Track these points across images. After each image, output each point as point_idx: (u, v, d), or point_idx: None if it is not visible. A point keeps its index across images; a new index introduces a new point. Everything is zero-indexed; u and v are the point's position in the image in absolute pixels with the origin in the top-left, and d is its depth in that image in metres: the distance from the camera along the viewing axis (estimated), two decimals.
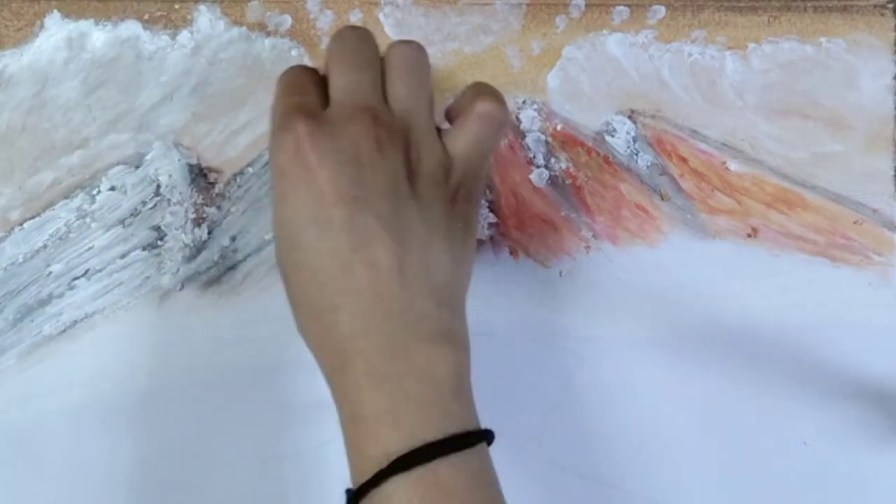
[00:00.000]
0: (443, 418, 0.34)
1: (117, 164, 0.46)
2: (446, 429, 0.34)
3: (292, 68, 0.40)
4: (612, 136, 0.48)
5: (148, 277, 0.46)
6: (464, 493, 0.33)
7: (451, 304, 0.37)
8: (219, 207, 0.47)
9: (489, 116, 0.38)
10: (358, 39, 0.39)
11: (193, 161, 0.47)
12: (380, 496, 0.33)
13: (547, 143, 0.48)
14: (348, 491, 0.35)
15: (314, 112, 0.36)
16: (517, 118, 0.48)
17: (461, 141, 0.38)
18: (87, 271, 0.46)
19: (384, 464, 0.33)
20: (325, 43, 0.47)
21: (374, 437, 0.34)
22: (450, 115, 0.40)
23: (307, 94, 0.38)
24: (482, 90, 0.39)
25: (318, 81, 0.39)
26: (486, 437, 0.36)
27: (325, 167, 0.35)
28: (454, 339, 0.36)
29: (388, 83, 0.38)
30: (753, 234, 0.48)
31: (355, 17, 0.47)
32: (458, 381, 0.35)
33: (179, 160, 0.46)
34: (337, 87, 0.38)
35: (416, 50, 0.39)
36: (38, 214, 0.46)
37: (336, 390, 0.36)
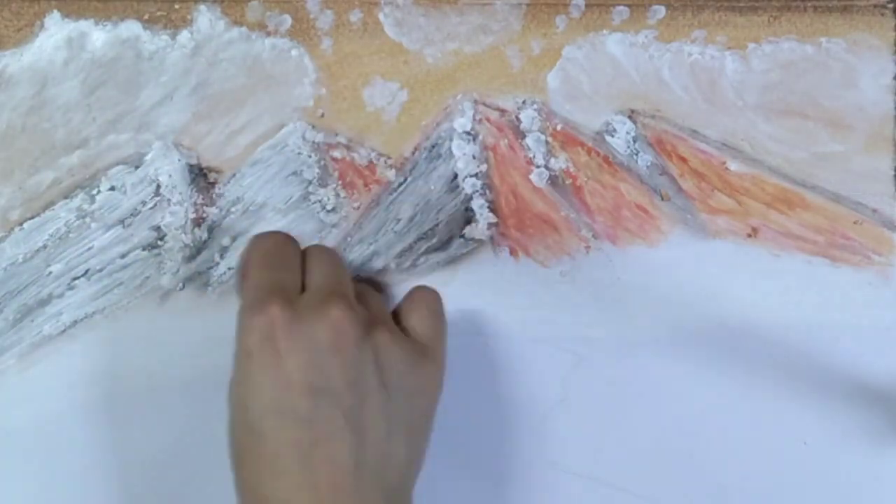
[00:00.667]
0: None
1: (117, 164, 0.46)
2: None
3: (272, 236, 0.40)
4: (612, 136, 0.48)
5: (148, 277, 0.46)
6: None
7: (400, 499, 0.36)
8: (219, 207, 0.47)
9: (430, 295, 0.40)
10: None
11: (193, 161, 0.47)
12: None
13: (547, 143, 0.48)
14: None
15: (291, 296, 0.36)
16: (517, 118, 0.48)
17: (419, 320, 0.40)
18: (87, 271, 0.46)
19: None
20: (325, 43, 0.47)
21: None
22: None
23: (287, 272, 0.38)
24: (414, 293, 0.41)
25: (297, 253, 0.39)
26: None
27: (295, 356, 0.35)
28: None
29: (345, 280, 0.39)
30: (753, 234, 0.48)
31: (355, 17, 0.47)
32: None
33: (179, 160, 0.46)
34: (317, 275, 0.38)
35: (331, 253, 0.40)
36: (38, 214, 0.46)
37: None
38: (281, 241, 0.40)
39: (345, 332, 0.35)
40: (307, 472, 0.34)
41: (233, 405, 0.36)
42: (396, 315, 0.41)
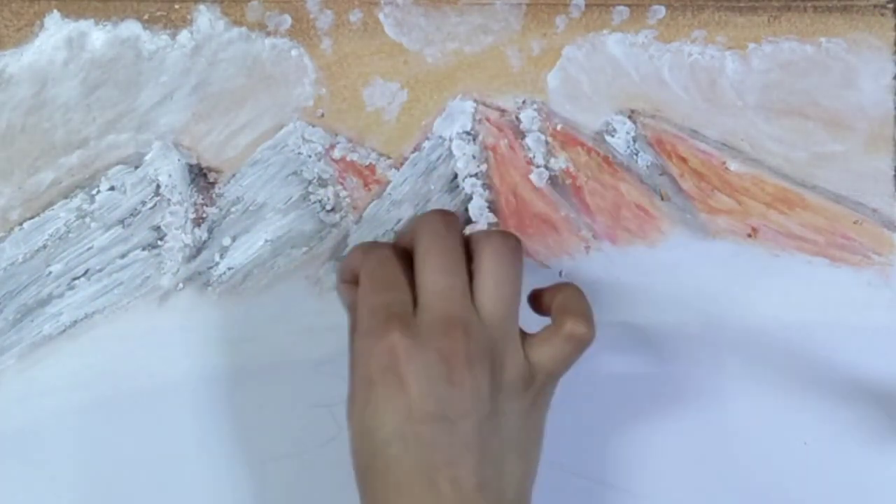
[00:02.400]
0: None
1: (117, 164, 0.46)
2: None
3: (378, 255, 0.39)
4: (612, 136, 0.48)
5: (148, 277, 0.46)
6: None
7: None
8: (219, 207, 0.47)
9: (580, 341, 0.38)
10: (448, 234, 0.38)
11: (193, 161, 0.47)
12: None
13: (547, 143, 0.48)
14: None
15: (408, 320, 0.36)
16: (517, 118, 0.48)
17: (547, 356, 0.38)
18: (86, 271, 0.46)
19: None
20: (325, 43, 0.47)
21: None
22: (536, 305, 0.40)
23: (398, 291, 0.37)
24: (575, 308, 0.38)
25: (405, 270, 0.38)
26: None
27: (417, 384, 0.35)
28: None
29: (479, 287, 0.37)
30: (753, 234, 0.48)
31: (355, 17, 0.47)
32: None
33: (179, 160, 0.46)
34: (429, 290, 0.37)
35: (512, 248, 0.38)
36: (38, 214, 0.46)
37: None
38: (389, 257, 0.39)
39: (459, 366, 0.36)
40: (433, 495, 0.35)
41: (356, 430, 0.37)
42: (538, 302, 0.40)
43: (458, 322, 0.36)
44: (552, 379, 0.39)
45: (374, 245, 0.40)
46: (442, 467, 0.35)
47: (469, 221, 0.47)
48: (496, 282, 0.37)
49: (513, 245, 0.38)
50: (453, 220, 0.39)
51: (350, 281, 0.40)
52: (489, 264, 0.37)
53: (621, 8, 0.48)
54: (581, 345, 0.38)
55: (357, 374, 0.37)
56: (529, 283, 0.47)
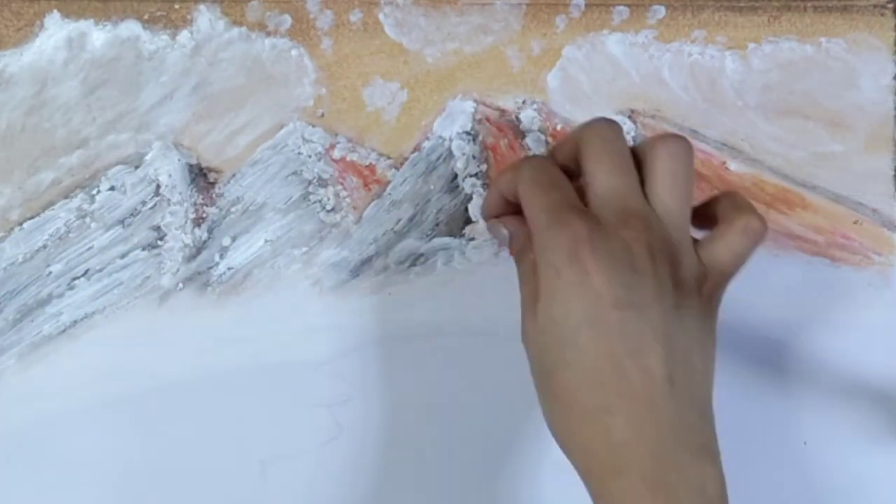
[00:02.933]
0: None
1: (117, 164, 0.46)
2: None
3: (535, 162, 0.39)
4: None
5: (148, 277, 0.46)
6: None
7: (709, 416, 0.37)
8: (219, 207, 0.47)
9: (755, 233, 0.38)
10: (617, 138, 0.38)
11: (193, 161, 0.47)
12: None
13: (547, 143, 0.48)
14: None
15: (585, 210, 0.36)
16: (517, 118, 0.48)
17: (721, 253, 0.38)
18: (86, 271, 0.46)
19: None
20: (325, 43, 0.47)
21: None
22: (701, 217, 0.40)
23: (565, 188, 0.37)
24: (744, 205, 0.38)
25: (563, 174, 0.38)
26: None
27: (602, 271, 0.35)
28: (715, 454, 0.36)
29: (654, 186, 0.37)
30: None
31: (355, 17, 0.47)
32: (723, 499, 0.35)
33: (179, 160, 0.46)
34: (603, 186, 0.37)
35: (686, 152, 0.38)
36: (38, 214, 0.46)
37: (604, 494, 0.36)
38: (546, 162, 0.39)
39: (642, 254, 0.35)
40: (624, 382, 0.35)
41: (541, 321, 0.37)
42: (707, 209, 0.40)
43: (637, 213, 0.36)
44: (725, 279, 0.38)
45: (526, 158, 0.40)
46: (632, 355, 0.35)
47: (469, 221, 0.48)
48: (673, 178, 0.37)
49: (686, 145, 0.38)
50: (618, 126, 0.39)
51: (498, 213, 0.40)
52: (665, 162, 0.37)
53: (621, 8, 0.48)
54: (756, 238, 0.38)
55: (542, 267, 0.36)
56: None
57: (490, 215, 0.42)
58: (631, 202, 0.37)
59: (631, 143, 0.48)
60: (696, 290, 0.37)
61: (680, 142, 0.38)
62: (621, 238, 0.36)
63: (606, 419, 0.35)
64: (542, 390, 0.38)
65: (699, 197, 0.48)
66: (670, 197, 0.37)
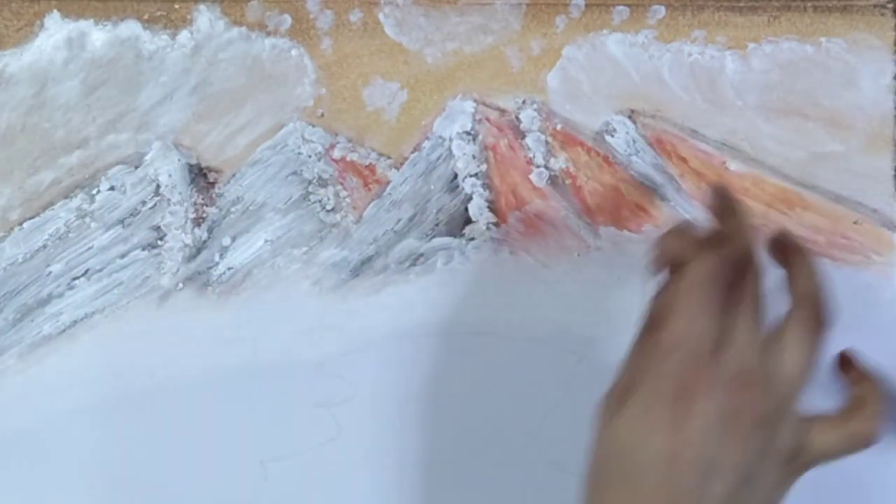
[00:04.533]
0: None
1: (117, 163, 0.46)
2: None
3: (718, 269, 0.36)
4: (612, 136, 0.48)
5: (148, 277, 0.46)
6: None
7: None
8: (219, 207, 0.47)
9: (865, 440, 0.38)
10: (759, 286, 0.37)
11: (193, 161, 0.47)
12: None
13: (547, 142, 0.48)
14: None
15: (718, 358, 0.35)
16: (517, 118, 0.48)
17: (823, 441, 0.37)
18: (86, 271, 0.46)
19: None
20: (325, 43, 0.47)
21: None
22: (842, 367, 0.40)
23: (719, 317, 0.36)
24: (873, 403, 0.38)
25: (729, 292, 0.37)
26: None
27: (699, 424, 0.34)
28: None
29: (783, 350, 0.37)
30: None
31: (355, 17, 0.47)
32: None
33: (179, 160, 0.46)
34: (744, 338, 0.36)
35: (825, 322, 0.37)
36: (38, 214, 0.46)
37: None
38: (724, 278, 0.37)
39: (745, 424, 0.35)
40: None
41: (621, 428, 0.36)
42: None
43: (759, 379, 0.36)
44: (814, 464, 0.38)
45: (721, 254, 0.37)
46: None
47: (469, 221, 0.47)
48: (806, 346, 0.37)
49: (825, 319, 0.37)
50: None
51: (666, 263, 0.39)
52: (804, 327, 0.37)
53: (621, 8, 0.48)
54: (863, 445, 0.38)
55: (648, 379, 0.36)
56: (530, 283, 0.47)
57: (661, 257, 0.39)
58: (759, 363, 0.36)
59: (630, 144, 0.48)
60: (783, 464, 0.36)
61: (822, 315, 0.37)
62: (737, 397, 0.35)
63: None
64: (589, 488, 0.37)
65: (700, 193, 0.48)
66: (795, 365, 0.36)
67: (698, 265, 0.37)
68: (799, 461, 0.37)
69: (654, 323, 0.37)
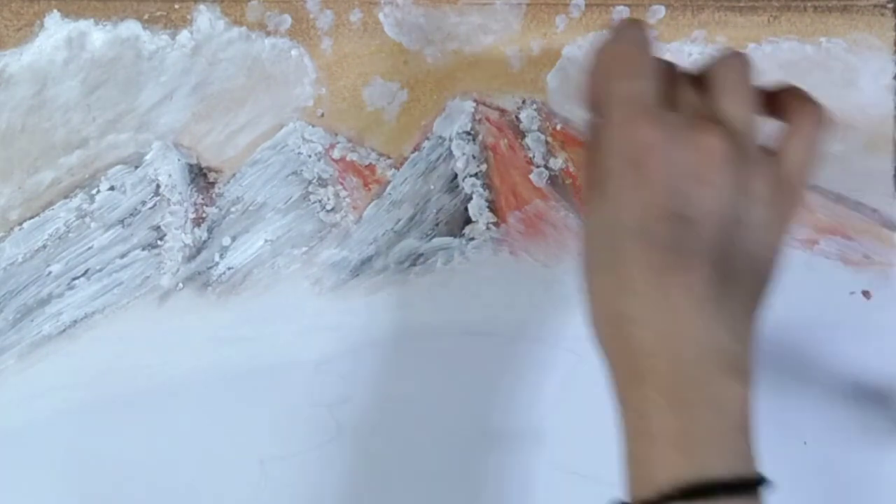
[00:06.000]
0: (733, 456, 0.34)
1: (117, 163, 0.46)
2: (735, 468, 0.34)
3: (623, 39, 0.36)
4: None
5: (148, 277, 0.46)
6: None
7: (745, 338, 0.36)
8: (219, 207, 0.47)
9: (826, 123, 0.37)
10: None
11: (193, 161, 0.47)
12: None
13: (546, 142, 0.48)
14: None
15: (660, 113, 0.35)
16: (517, 118, 0.48)
17: (804, 149, 0.37)
18: (86, 271, 0.46)
19: (670, 490, 0.33)
20: (325, 43, 0.47)
21: (662, 460, 0.34)
22: (767, 108, 0.38)
23: (649, 78, 0.35)
24: (807, 98, 0.38)
25: (655, 63, 0.36)
26: (765, 486, 0.35)
27: (661, 181, 0.34)
28: (745, 375, 0.35)
29: (720, 100, 0.36)
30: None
31: (355, 17, 0.47)
32: (747, 419, 0.34)
33: (179, 160, 0.46)
34: (688, 90, 0.36)
35: (745, 64, 0.37)
36: (38, 214, 0.46)
37: (625, 400, 0.35)
38: (639, 45, 0.36)
39: (714, 165, 0.34)
40: (662, 296, 0.34)
41: (592, 219, 0.36)
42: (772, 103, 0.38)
43: (716, 122, 0.35)
44: (799, 185, 0.37)
45: (622, 34, 0.37)
46: (677, 270, 0.34)
47: (469, 221, 0.47)
48: (739, 90, 0.36)
49: (744, 58, 0.37)
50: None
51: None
52: (731, 76, 0.36)
53: (621, 8, 0.48)
54: (827, 127, 0.37)
55: (604, 165, 0.35)
56: (530, 283, 0.47)
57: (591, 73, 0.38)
58: (712, 107, 0.35)
59: None
60: (768, 201, 0.35)
61: (738, 56, 0.37)
62: (694, 150, 0.34)
63: (634, 329, 0.34)
64: (584, 287, 0.37)
65: None
66: (739, 107, 0.35)
67: (617, 34, 0.36)
68: (784, 191, 0.36)
69: (593, 108, 0.37)
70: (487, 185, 0.48)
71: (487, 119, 0.48)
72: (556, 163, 0.48)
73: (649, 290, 0.34)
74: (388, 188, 0.47)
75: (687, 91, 0.36)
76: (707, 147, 0.34)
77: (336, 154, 0.47)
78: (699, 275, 0.34)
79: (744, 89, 0.36)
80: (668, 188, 0.34)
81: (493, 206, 0.48)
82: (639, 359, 0.34)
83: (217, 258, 0.46)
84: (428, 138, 0.48)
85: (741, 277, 0.35)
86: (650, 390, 0.34)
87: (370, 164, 0.47)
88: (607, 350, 0.36)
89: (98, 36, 0.46)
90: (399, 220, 0.47)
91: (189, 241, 0.46)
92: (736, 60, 0.37)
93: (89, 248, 0.46)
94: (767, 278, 0.37)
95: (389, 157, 0.47)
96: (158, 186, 0.46)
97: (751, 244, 0.35)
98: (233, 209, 0.47)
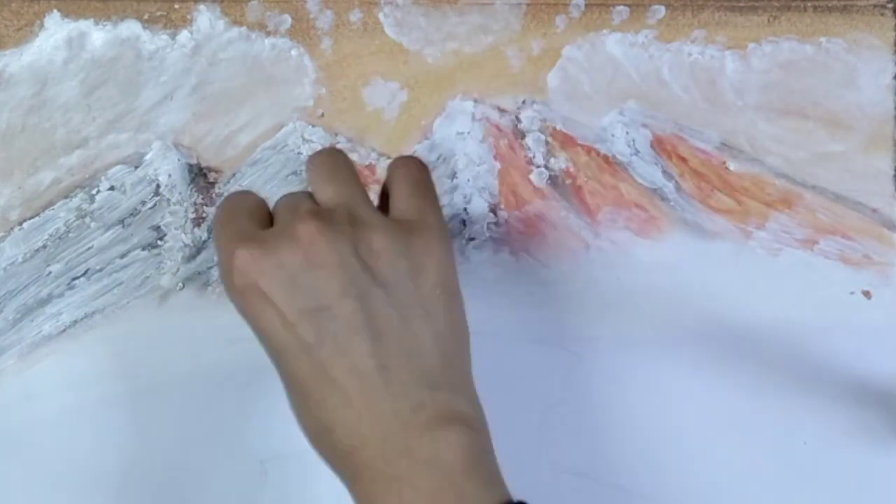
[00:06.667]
0: (459, 503, 0.33)
1: (117, 163, 0.46)
2: None
3: (238, 196, 0.38)
4: (612, 136, 0.48)
5: (148, 277, 0.46)
6: None
7: (447, 383, 0.35)
8: None
9: (415, 169, 0.38)
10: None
11: (193, 161, 0.47)
12: None
13: (547, 142, 0.48)
14: None
15: (252, 234, 0.35)
16: (517, 118, 0.48)
17: (400, 198, 0.37)
18: (86, 271, 0.46)
19: None
20: (325, 43, 0.47)
21: None
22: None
23: (246, 217, 0.37)
24: (396, 161, 0.39)
25: (254, 205, 0.37)
26: None
27: (279, 289, 0.34)
28: (457, 418, 0.34)
29: (316, 193, 0.37)
30: (753, 233, 0.48)
31: (355, 17, 0.47)
32: (469, 461, 0.34)
33: (179, 160, 0.46)
34: (284, 208, 0.37)
35: (335, 153, 0.38)
36: (38, 214, 0.46)
37: (357, 498, 0.35)
38: (241, 196, 0.38)
39: (316, 245, 0.34)
40: (336, 394, 0.34)
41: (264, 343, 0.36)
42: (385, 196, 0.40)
43: (305, 211, 0.35)
44: (420, 212, 0.37)
45: (236, 193, 0.39)
46: (335, 361, 0.34)
47: (469, 221, 0.47)
48: (323, 177, 0.37)
49: (330, 151, 0.39)
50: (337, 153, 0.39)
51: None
52: (313, 169, 0.38)
53: (621, 8, 0.48)
54: (418, 169, 0.38)
55: (233, 303, 0.36)
56: (530, 284, 0.47)
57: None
58: (297, 201, 0.36)
59: (630, 144, 0.48)
60: (399, 255, 0.35)
61: (323, 150, 0.39)
62: (292, 244, 0.34)
63: (331, 436, 0.34)
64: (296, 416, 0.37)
65: (700, 193, 0.48)
66: (329, 187, 0.37)
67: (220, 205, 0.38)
68: (411, 230, 0.36)
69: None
70: (487, 186, 0.48)
71: (487, 119, 0.48)
72: (556, 163, 0.48)
73: (324, 394, 0.34)
74: None
75: (288, 200, 0.37)
76: (303, 234, 0.35)
77: None
78: (358, 352, 0.34)
79: (328, 173, 0.37)
80: (289, 293, 0.34)
81: (493, 207, 0.48)
82: (346, 460, 0.34)
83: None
84: (428, 138, 0.48)
85: (408, 326, 0.35)
86: (367, 482, 0.34)
87: (370, 164, 0.47)
88: (327, 460, 0.36)
89: (98, 36, 0.46)
90: None
91: (189, 241, 0.46)
92: (319, 155, 0.38)
93: (89, 248, 0.46)
94: (440, 317, 0.36)
95: (389, 157, 0.47)
96: (158, 186, 0.46)
97: (402, 296, 0.35)
98: None
